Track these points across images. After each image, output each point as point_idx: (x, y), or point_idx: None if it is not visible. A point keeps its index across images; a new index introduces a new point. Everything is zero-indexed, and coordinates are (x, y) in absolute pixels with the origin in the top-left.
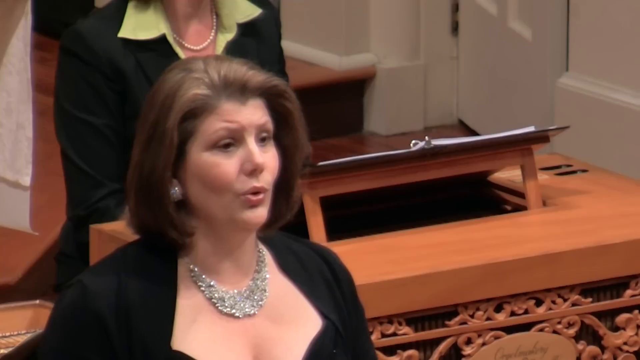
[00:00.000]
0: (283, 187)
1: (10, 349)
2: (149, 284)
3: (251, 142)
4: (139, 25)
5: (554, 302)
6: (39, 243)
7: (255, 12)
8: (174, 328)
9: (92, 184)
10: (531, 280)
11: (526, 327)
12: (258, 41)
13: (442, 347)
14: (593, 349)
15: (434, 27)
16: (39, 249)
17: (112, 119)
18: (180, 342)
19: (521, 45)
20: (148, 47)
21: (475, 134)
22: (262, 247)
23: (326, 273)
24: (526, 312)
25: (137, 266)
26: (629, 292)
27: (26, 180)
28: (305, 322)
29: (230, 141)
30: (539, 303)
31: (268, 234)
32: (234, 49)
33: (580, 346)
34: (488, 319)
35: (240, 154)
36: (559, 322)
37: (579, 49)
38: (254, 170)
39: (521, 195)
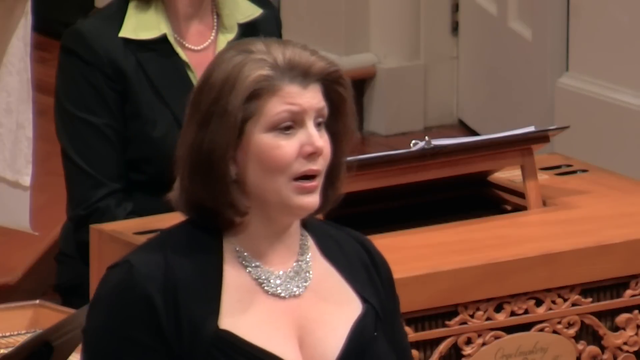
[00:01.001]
0: (331, 173)
1: (10, 349)
2: (195, 263)
3: (311, 126)
4: (139, 25)
5: (554, 302)
6: (39, 243)
7: (256, 12)
8: (221, 307)
9: (92, 184)
10: (531, 280)
11: (526, 327)
12: None
13: (442, 347)
14: (593, 349)
15: (434, 27)
16: (39, 249)
17: (113, 119)
18: (227, 320)
19: (521, 45)
20: (149, 47)
21: (475, 134)
22: (304, 231)
23: (365, 259)
24: (526, 312)
25: (183, 246)
26: (629, 292)
27: (26, 180)
28: (348, 304)
29: (291, 124)
30: (539, 303)
31: (310, 219)
32: None
33: (580, 346)
34: (488, 319)
35: (300, 137)
36: (559, 322)
37: (579, 49)
38: (313, 154)
39: (521, 195)
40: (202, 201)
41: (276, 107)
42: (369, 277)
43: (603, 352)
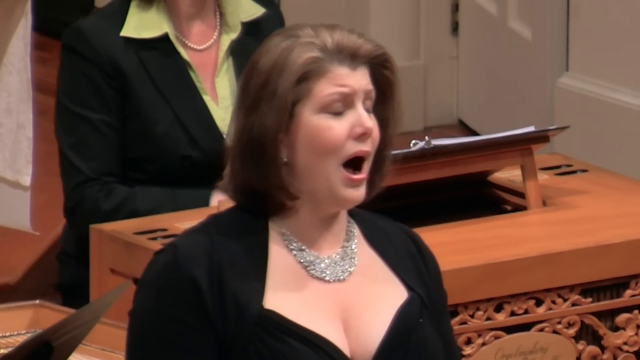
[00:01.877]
0: (377, 158)
1: (10, 349)
2: (241, 245)
3: (360, 107)
4: (141, 24)
5: (554, 302)
6: (39, 243)
7: (259, 11)
8: (266, 288)
9: (82, 179)
10: (531, 280)
11: (526, 327)
12: (262, 40)
13: None
14: (593, 349)
15: (434, 27)
16: (39, 249)
17: (110, 115)
18: (272, 301)
19: (521, 45)
20: (150, 45)
21: (475, 134)
22: (350, 219)
23: (412, 250)
24: (526, 312)
25: (229, 229)
26: (629, 292)
27: (26, 180)
28: (392, 290)
29: (341, 105)
30: (539, 303)
31: (356, 209)
32: (238, 49)
33: (580, 346)
34: (488, 319)
35: (350, 118)
36: (559, 322)
37: (579, 49)
38: (363, 134)
39: (521, 195)
40: (253, 184)
41: (326, 89)
42: (416, 267)
43: (603, 352)
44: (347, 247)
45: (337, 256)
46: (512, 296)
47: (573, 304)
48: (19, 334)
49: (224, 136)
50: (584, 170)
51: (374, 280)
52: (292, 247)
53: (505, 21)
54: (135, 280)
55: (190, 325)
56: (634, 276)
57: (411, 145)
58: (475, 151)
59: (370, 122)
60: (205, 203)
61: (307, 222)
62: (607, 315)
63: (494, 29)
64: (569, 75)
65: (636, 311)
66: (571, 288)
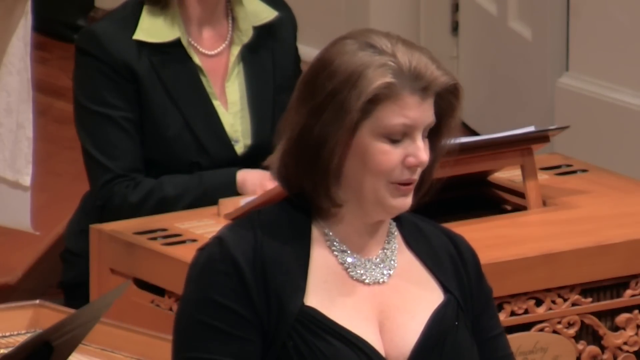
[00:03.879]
0: (425, 172)
1: (10, 349)
2: (284, 242)
3: (419, 138)
4: (153, 29)
5: (554, 302)
6: (39, 243)
7: (271, 14)
8: (307, 286)
9: (110, 177)
10: (531, 280)
11: (526, 327)
12: (274, 44)
13: None
14: (593, 349)
15: (434, 27)
16: (39, 249)
17: (131, 112)
18: (312, 299)
19: (521, 45)
20: (162, 50)
21: (475, 134)
22: (392, 222)
23: (452, 252)
24: (526, 312)
25: (272, 225)
26: (629, 292)
27: (26, 180)
28: (430, 293)
29: (401, 133)
30: (539, 303)
31: None
32: (249, 54)
33: (580, 346)
34: None
35: (406, 146)
36: (559, 322)
37: (579, 49)
38: (416, 166)
39: (521, 195)
40: (302, 183)
41: (392, 118)
42: (455, 269)
43: (603, 352)
44: (387, 249)
45: (377, 259)
46: (512, 296)
47: (573, 304)
48: (19, 334)
49: (232, 143)
50: (584, 170)
51: (412, 283)
52: (333, 248)
53: (505, 21)
54: (135, 280)
55: (239, 314)
56: (634, 276)
57: None
58: (475, 151)
59: (425, 155)
60: (231, 180)
61: (352, 226)
62: (607, 315)
63: (494, 29)
64: (569, 75)
65: (636, 311)
66: (571, 288)
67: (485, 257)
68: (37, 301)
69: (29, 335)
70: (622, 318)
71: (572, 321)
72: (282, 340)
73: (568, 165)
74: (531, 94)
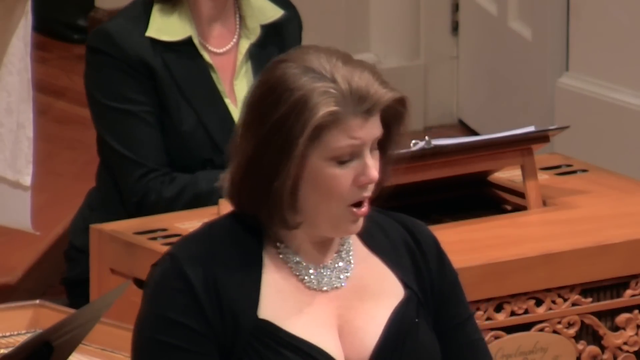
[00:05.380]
0: (379, 179)
1: (10, 349)
2: (236, 256)
3: (368, 156)
4: (165, 27)
5: (554, 302)
6: (39, 243)
7: (277, 13)
8: (260, 298)
9: (143, 172)
10: (531, 280)
11: (526, 327)
12: (280, 43)
13: None
14: (593, 349)
15: (434, 27)
16: (39, 249)
17: (151, 106)
18: (266, 311)
19: (521, 45)
20: (174, 48)
21: (475, 134)
22: None
23: (410, 243)
24: (526, 312)
25: (223, 239)
26: (629, 292)
27: (27, 180)
28: (388, 292)
29: (349, 155)
30: (539, 303)
31: None
32: (257, 52)
33: (580, 346)
34: (488, 319)
35: (355, 167)
36: (559, 322)
37: (579, 49)
38: (369, 184)
39: (521, 195)
40: (256, 211)
41: (338, 141)
42: (414, 263)
43: (603, 352)
44: (342, 251)
45: (333, 264)
46: (512, 296)
47: (573, 304)
48: (19, 334)
49: None
50: (584, 170)
51: (370, 283)
52: (287, 259)
53: (505, 21)
54: (135, 280)
55: (194, 330)
56: (634, 276)
57: (411, 145)
58: (475, 151)
59: (375, 172)
60: None
61: (304, 240)
62: (607, 315)
63: (494, 29)
64: (569, 75)
65: (636, 311)
66: (571, 288)
67: (485, 257)
68: (37, 301)
69: (29, 335)
70: (622, 318)
71: (572, 321)
72: (238, 355)
73: (568, 165)
74: (531, 94)
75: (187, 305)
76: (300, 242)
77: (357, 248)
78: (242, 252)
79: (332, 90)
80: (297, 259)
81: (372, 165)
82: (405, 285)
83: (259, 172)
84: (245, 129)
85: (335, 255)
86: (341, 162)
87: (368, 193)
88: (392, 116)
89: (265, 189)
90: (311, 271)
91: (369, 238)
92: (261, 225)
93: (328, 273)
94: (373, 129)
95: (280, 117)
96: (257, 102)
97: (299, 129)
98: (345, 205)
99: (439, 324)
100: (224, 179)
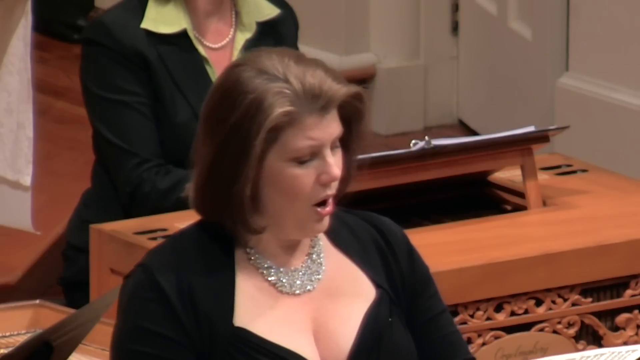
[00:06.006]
0: (343, 176)
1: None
2: (208, 264)
3: (328, 155)
4: (160, 19)
5: (554, 302)
6: (39, 243)
7: (274, 11)
8: (235, 306)
9: (137, 162)
10: (531, 280)
11: (526, 327)
12: (276, 41)
13: None
14: (593, 349)
15: (434, 27)
16: (39, 249)
17: (146, 97)
18: (241, 318)
19: (521, 45)
20: (169, 41)
21: (475, 134)
22: None
23: (379, 241)
24: (526, 312)
25: (195, 247)
26: (629, 292)
27: (27, 180)
28: (360, 293)
29: (309, 154)
30: (539, 303)
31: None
32: (253, 47)
33: (580, 346)
34: (488, 319)
35: (316, 165)
36: (559, 322)
37: (579, 49)
38: (331, 182)
39: (521, 195)
40: (220, 217)
41: (296, 142)
42: (384, 260)
43: None
44: (313, 253)
45: (304, 267)
46: (512, 296)
47: (573, 304)
48: (19, 334)
49: None
50: (584, 170)
51: (342, 284)
52: (257, 265)
53: (505, 21)
54: None
55: (171, 339)
56: (634, 276)
57: (411, 145)
58: (475, 151)
59: (337, 170)
60: None
61: (272, 243)
62: (607, 315)
63: (494, 29)
64: (569, 75)
65: (636, 311)
66: (571, 288)
67: (485, 257)
68: (37, 301)
69: (29, 335)
70: (622, 318)
71: (572, 321)
72: None
73: (568, 165)
74: (531, 94)
75: (163, 315)
76: (270, 247)
77: (327, 250)
78: (213, 260)
79: (285, 91)
80: (268, 263)
81: (334, 163)
82: (377, 284)
83: (220, 178)
84: (204, 135)
85: (306, 257)
86: (302, 162)
87: (332, 191)
88: (351, 113)
89: (226, 194)
90: (283, 275)
91: (338, 239)
92: (229, 231)
93: (300, 276)
94: (330, 126)
95: (236, 120)
96: (213, 108)
97: (255, 131)
98: (309, 205)
99: (412, 319)
100: (189, 188)
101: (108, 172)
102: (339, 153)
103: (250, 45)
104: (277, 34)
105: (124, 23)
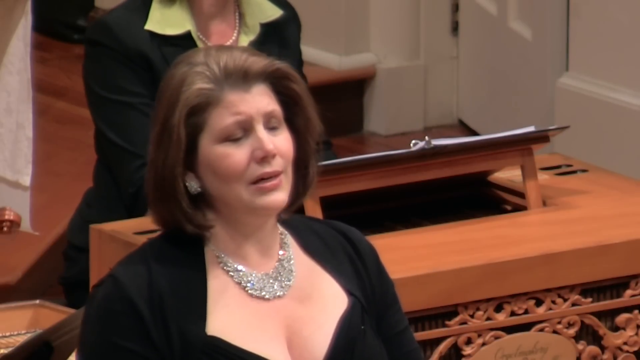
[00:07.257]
0: (299, 166)
1: (10, 349)
2: (179, 272)
3: (260, 130)
4: (164, 21)
5: (554, 302)
6: (39, 243)
7: (277, 13)
8: (207, 314)
9: (137, 164)
10: (531, 280)
11: (526, 327)
12: (280, 42)
13: (442, 347)
14: (593, 349)
15: (434, 27)
16: (39, 249)
17: (149, 98)
18: (214, 327)
19: (521, 45)
20: (173, 42)
21: (475, 134)
22: (283, 229)
23: (349, 250)
24: (526, 312)
25: (165, 256)
26: (629, 292)
27: (26, 180)
28: (333, 300)
29: (241, 131)
30: (539, 303)
31: (287, 215)
32: (257, 49)
33: (580, 346)
34: (488, 319)
35: (250, 142)
36: (559, 322)
37: (579, 49)
38: (265, 157)
39: (521, 195)
40: (165, 218)
41: (222, 119)
42: (354, 269)
43: (603, 352)
44: (283, 259)
45: (274, 272)
46: (512, 296)
47: (573, 304)
48: (19, 334)
49: None
50: (584, 170)
51: (314, 291)
52: (227, 268)
53: (505, 21)
54: None
55: (139, 354)
56: (634, 276)
57: (411, 145)
58: (475, 151)
59: (269, 144)
60: None
61: (236, 242)
62: (607, 315)
63: (494, 29)
64: (569, 75)
65: (636, 311)
66: (571, 288)
67: (485, 257)
68: (37, 301)
69: (29, 335)
70: (622, 318)
71: (572, 321)
72: None
73: (568, 165)
74: (531, 94)
75: (132, 329)
76: (235, 247)
77: (298, 256)
78: (184, 267)
79: (203, 71)
80: (238, 266)
81: (266, 138)
82: (349, 292)
83: (159, 176)
84: (150, 142)
85: (277, 263)
86: (235, 140)
87: (273, 168)
88: (288, 94)
89: (166, 188)
90: (253, 279)
91: (308, 246)
92: (190, 235)
93: (271, 282)
94: (256, 100)
95: (164, 112)
96: (154, 110)
97: (177, 115)
98: (248, 183)
99: (382, 331)
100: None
101: (111, 172)
102: (283, 132)
103: (254, 46)
104: (281, 35)
105: (127, 24)
